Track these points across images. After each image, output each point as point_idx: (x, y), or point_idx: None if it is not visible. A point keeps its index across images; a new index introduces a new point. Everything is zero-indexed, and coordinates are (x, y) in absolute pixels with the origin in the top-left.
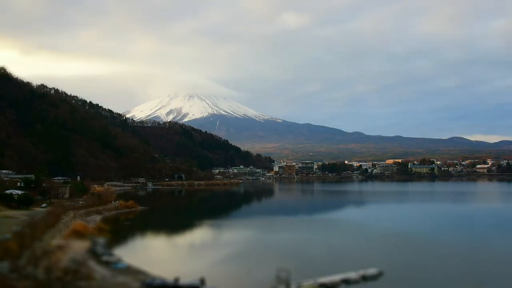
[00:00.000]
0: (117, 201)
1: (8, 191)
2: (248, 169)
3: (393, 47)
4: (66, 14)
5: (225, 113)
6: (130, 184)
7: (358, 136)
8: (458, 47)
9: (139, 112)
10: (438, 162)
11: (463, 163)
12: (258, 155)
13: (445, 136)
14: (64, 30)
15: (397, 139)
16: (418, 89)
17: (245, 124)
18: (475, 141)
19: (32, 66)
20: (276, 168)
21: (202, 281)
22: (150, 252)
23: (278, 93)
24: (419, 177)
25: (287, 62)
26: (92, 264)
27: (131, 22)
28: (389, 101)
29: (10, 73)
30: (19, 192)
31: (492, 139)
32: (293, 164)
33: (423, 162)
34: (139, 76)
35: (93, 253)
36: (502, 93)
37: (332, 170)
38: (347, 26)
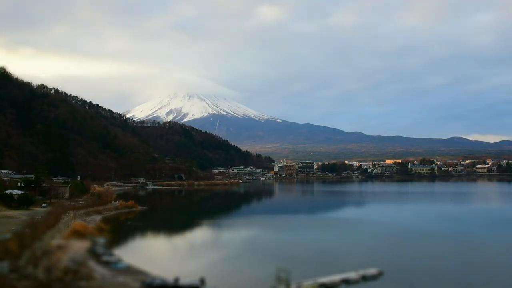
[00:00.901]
0: (117, 201)
1: (8, 191)
2: (248, 169)
3: (380, 43)
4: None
5: (225, 113)
6: (130, 184)
7: (358, 136)
8: (446, 43)
9: (139, 112)
10: (438, 162)
11: (463, 163)
12: (258, 155)
13: (445, 136)
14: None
15: (397, 139)
16: (408, 86)
17: (245, 124)
18: (475, 141)
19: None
20: (276, 168)
21: (202, 281)
22: (150, 252)
23: (263, 91)
24: (419, 177)
25: (270, 59)
26: (92, 264)
27: (104, 16)
28: (381, 99)
29: (10, 73)
30: (19, 192)
31: (492, 139)
32: (293, 164)
33: (423, 162)
34: (139, 76)
35: (93, 253)
36: (496, 91)
37: (332, 170)
38: (328, 21)
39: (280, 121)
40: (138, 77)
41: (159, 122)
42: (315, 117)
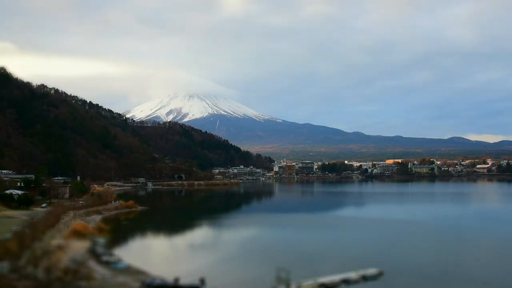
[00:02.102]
0: (117, 201)
1: (8, 191)
2: (248, 169)
3: (359, 36)
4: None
5: (225, 113)
6: (130, 184)
7: (358, 136)
8: (426, 37)
9: (139, 112)
10: (438, 162)
11: (463, 163)
12: (258, 155)
13: (445, 136)
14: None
15: (397, 139)
16: (395, 84)
17: (245, 124)
18: (475, 141)
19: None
20: (276, 168)
21: (202, 281)
22: (150, 252)
23: (241, 88)
24: (419, 177)
25: (241, 55)
26: (92, 264)
27: (62, 10)
28: (368, 97)
29: (10, 73)
30: (19, 192)
31: (492, 139)
32: (293, 164)
33: (423, 162)
34: (139, 76)
35: (93, 253)
36: (485, 89)
37: (332, 170)
38: (299, 13)
39: (280, 121)
40: (138, 77)
41: (159, 122)
42: (303, 116)
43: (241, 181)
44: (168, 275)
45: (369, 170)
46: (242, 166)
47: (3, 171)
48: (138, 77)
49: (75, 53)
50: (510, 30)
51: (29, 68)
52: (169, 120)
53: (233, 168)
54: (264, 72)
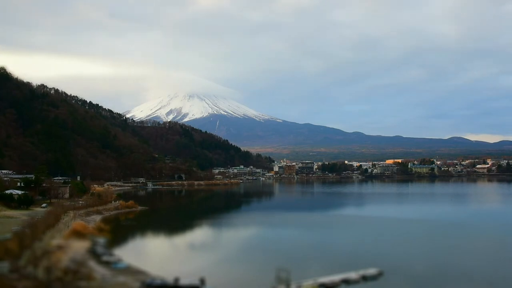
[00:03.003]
0: (117, 201)
1: (8, 191)
2: (248, 169)
3: (342, 32)
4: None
5: (225, 113)
6: (130, 184)
7: (358, 136)
8: (411, 34)
9: (139, 112)
10: (438, 162)
11: (463, 163)
12: (258, 155)
13: (445, 136)
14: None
15: (397, 139)
16: (385, 82)
17: (245, 124)
18: (475, 141)
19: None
20: (276, 168)
21: (202, 281)
22: (150, 252)
23: (223, 88)
24: (419, 177)
25: (217, 51)
26: (92, 264)
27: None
28: (359, 96)
29: (10, 73)
30: (19, 192)
31: (492, 139)
32: (293, 164)
33: (423, 162)
34: (139, 76)
35: (93, 253)
36: (477, 88)
37: (332, 170)
38: (275, 7)
39: (280, 121)
40: (138, 77)
41: (159, 122)
42: (292, 115)
43: (241, 181)
44: (168, 275)
45: (369, 170)
46: (242, 166)
47: (3, 171)
48: (112, 76)
49: (44, 50)
50: (494, 25)
51: None
52: (169, 120)
53: (233, 168)
54: (247, 70)
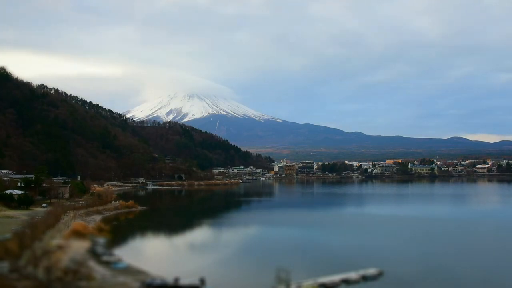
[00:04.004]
0: (117, 201)
1: (8, 191)
2: (248, 169)
3: (324, 27)
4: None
5: (225, 113)
6: (130, 184)
7: (358, 136)
8: (394, 29)
9: (139, 112)
10: (438, 162)
11: (463, 163)
12: (258, 155)
13: (445, 136)
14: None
15: (397, 139)
16: (374, 79)
17: (245, 124)
18: (475, 141)
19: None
20: (276, 168)
21: (202, 281)
22: (150, 252)
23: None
24: (419, 177)
25: (197, 47)
26: (92, 264)
27: None
28: (348, 94)
29: (10, 73)
30: (19, 192)
31: (492, 139)
32: (293, 164)
33: (423, 162)
34: (139, 76)
35: (93, 253)
36: (467, 86)
37: (332, 170)
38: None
39: (280, 121)
40: (138, 77)
41: (159, 122)
42: (280, 114)
43: (241, 181)
44: (168, 275)
45: (369, 170)
46: (242, 166)
47: (3, 171)
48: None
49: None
50: (476, 20)
51: None
52: (169, 120)
53: (233, 168)
54: (228, 68)
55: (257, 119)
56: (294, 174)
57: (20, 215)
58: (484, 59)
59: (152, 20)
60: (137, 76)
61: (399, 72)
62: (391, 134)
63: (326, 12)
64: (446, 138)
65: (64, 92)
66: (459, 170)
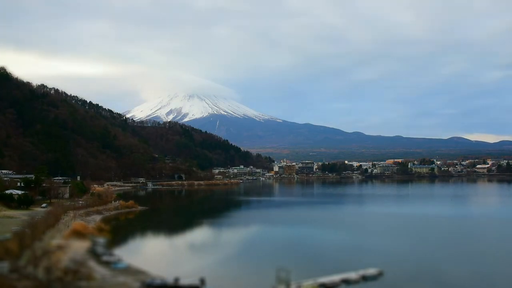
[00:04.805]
0: (117, 201)
1: (8, 191)
2: (248, 169)
3: (303, 21)
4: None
5: (225, 113)
6: (130, 184)
7: (358, 136)
8: (375, 24)
9: (139, 112)
10: (438, 162)
11: (463, 163)
12: (258, 155)
13: (445, 136)
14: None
15: (397, 139)
16: (362, 77)
17: (245, 124)
18: (475, 141)
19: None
20: (276, 168)
21: (202, 281)
22: (150, 252)
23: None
24: (419, 177)
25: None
26: (92, 264)
27: None
28: (338, 93)
29: (10, 73)
30: (19, 192)
31: (492, 139)
32: (293, 164)
33: (423, 162)
34: (139, 76)
35: (93, 253)
36: (457, 84)
37: (332, 170)
38: None
39: (280, 121)
40: (138, 77)
41: (159, 122)
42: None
43: (241, 181)
44: (168, 275)
45: (369, 170)
46: (242, 166)
47: (3, 171)
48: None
49: None
50: (456, 17)
51: None
52: (169, 120)
53: (233, 168)
54: (209, 65)
55: (257, 119)
56: (294, 174)
57: (20, 215)
58: (469, 56)
59: (125, 15)
60: (116, 75)
61: (386, 70)
62: (391, 134)
63: (306, 6)
64: (446, 138)
65: (64, 92)
66: (459, 170)
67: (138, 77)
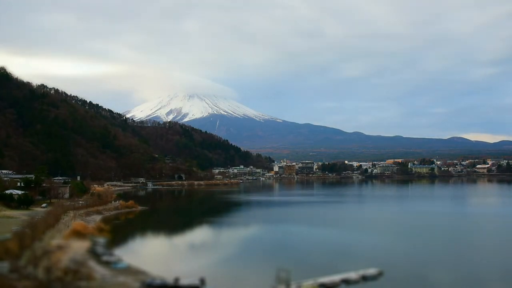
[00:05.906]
0: (117, 201)
1: (8, 191)
2: (248, 169)
3: (278, 12)
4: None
5: (225, 113)
6: (130, 184)
7: (358, 136)
8: (348, 18)
9: (139, 112)
10: (438, 162)
11: (463, 163)
12: (258, 155)
13: (445, 136)
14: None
15: (397, 139)
16: (343, 75)
17: (245, 124)
18: (475, 141)
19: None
20: (276, 168)
21: (202, 281)
22: (150, 252)
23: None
24: (419, 177)
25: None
26: (92, 264)
27: None
28: (323, 91)
29: (10, 73)
30: (19, 192)
31: (492, 139)
32: (293, 164)
33: (423, 162)
34: (139, 76)
35: (93, 253)
36: (445, 81)
37: (332, 170)
38: None
39: (280, 121)
40: (138, 77)
41: (159, 122)
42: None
43: (241, 181)
44: (168, 275)
45: (369, 170)
46: (242, 166)
47: (3, 171)
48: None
49: None
50: (433, 10)
51: None
52: (169, 120)
53: (233, 168)
54: (183, 60)
55: (257, 119)
56: (294, 174)
57: (20, 215)
58: (455, 52)
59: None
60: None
61: (371, 67)
62: (391, 134)
63: None
64: (446, 138)
65: (64, 92)
66: (459, 170)
67: (139, 77)
